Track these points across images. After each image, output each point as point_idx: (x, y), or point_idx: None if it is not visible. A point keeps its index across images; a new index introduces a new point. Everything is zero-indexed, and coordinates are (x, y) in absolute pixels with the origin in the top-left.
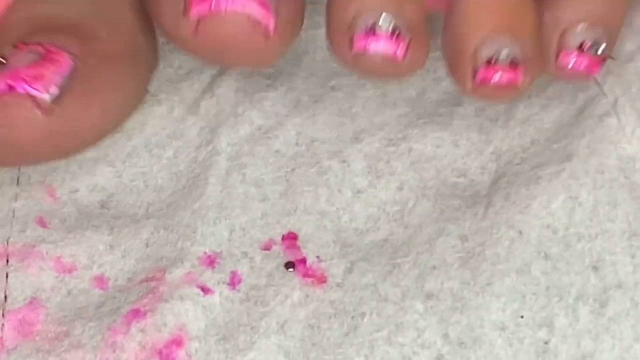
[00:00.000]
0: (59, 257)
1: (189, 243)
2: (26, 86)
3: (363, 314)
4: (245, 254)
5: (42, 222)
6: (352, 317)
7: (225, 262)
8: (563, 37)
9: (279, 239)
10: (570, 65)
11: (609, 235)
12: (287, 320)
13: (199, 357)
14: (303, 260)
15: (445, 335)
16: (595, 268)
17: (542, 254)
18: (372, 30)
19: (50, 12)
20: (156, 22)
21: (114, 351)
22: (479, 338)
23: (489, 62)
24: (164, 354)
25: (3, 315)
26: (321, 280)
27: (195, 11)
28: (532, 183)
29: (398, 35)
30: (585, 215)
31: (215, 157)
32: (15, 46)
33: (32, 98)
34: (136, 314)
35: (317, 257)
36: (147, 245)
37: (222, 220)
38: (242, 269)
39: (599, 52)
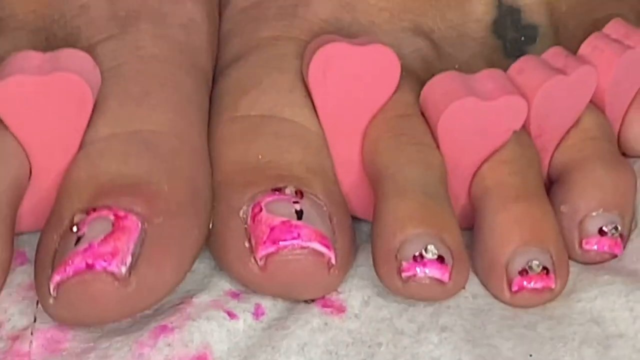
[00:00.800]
0: None
1: (216, 278)
2: (104, 263)
3: (380, 344)
4: None
5: None
6: (369, 346)
7: (249, 297)
8: (582, 226)
9: None
10: (594, 249)
11: (607, 295)
12: (306, 343)
13: None
14: None
15: None
16: (596, 322)
17: (547, 317)
18: (419, 257)
19: (113, 169)
20: (221, 266)
21: None
22: None
23: (521, 272)
24: None
25: (32, 333)
26: (340, 310)
27: (263, 252)
28: None
29: (442, 260)
30: (587, 282)
31: None
32: (85, 212)
33: (110, 273)
34: (163, 329)
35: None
36: None
37: None
38: (266, 304)
39: (618, 232)
